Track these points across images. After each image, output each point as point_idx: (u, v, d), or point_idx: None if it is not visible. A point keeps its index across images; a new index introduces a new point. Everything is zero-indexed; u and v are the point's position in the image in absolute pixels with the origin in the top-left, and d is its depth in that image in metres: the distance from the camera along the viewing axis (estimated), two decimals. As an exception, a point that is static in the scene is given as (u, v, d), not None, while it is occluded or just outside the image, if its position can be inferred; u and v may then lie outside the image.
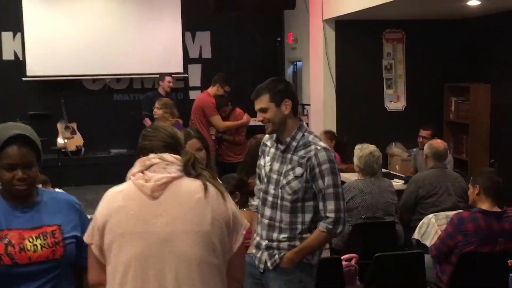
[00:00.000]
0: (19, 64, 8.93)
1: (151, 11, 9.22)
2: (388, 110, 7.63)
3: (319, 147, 2.91)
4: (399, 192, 4.97)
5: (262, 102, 2.96)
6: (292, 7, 7.29)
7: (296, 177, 2.90)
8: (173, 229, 1.97)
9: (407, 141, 7.17)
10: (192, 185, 2.05)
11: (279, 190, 2.96)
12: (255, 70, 9.51)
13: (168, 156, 2.08)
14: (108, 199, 2.06)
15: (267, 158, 3.09)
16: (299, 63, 9.19)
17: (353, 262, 4.13)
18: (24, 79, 8.89)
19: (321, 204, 2.91)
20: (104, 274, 2.02)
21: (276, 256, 2.96)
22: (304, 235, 2.94)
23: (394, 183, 5.17)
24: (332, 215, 2.88)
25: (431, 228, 4.38)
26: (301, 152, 2.92)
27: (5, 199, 2.25)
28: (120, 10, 9.19)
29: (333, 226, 2.89)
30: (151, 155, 2.09)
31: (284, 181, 2.94)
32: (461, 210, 4.13)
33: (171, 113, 5.85)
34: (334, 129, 7.36)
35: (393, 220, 4.58)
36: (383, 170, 5.90)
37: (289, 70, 9.60)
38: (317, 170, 2.88)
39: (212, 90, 6.81)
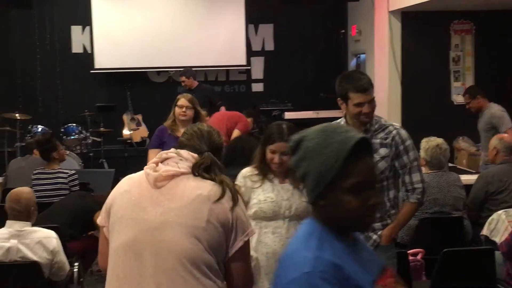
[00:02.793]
0: (87, 57, 9.22)
1: (215, 3, 9.32)
2: (454, 103, 7.43)
3: (397, 127, 3.10)
4: (467, 187, 4.84)
5: (372, 93, 3.03)
6: (356, -2, 7.23)
7: (382, 158, 3.04)
8: (166, 219, 1.97)
9: (474, 135, 6.97)
10: (196, 182, 2.04)
11: None
12: (318, 62, 9.48)
13: (184, 153, 2.11)
14: (119, 184, 2.14)
15: None
16: (362, 56, 9.09)
17: (419, 257, 4.07)
18: (92, 71, 9.16)
19: (407, 178, 3.08)
20: None
21: (375, 236, 3.06)
22: (392, 211, 3.10)
23: (462, 178, 5.03)
24: (419, 185, 3.07)
25: (501, 224, 4.24)
26: (381, 134, 3.06)
27: (337, 236, 1.53)
28: (184, 4, 9.33)
29: (421, 195, 3.09)
30: (172, 149, 2.15)
31: None
32: (533, 206, 3.99)
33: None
34: (399, 122, 7.23)
35: (461, 215, 4.47)
36: (450, 164, 5.75)
37: (352, 63, 9.50)
38: (401, 147, 3.05)
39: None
